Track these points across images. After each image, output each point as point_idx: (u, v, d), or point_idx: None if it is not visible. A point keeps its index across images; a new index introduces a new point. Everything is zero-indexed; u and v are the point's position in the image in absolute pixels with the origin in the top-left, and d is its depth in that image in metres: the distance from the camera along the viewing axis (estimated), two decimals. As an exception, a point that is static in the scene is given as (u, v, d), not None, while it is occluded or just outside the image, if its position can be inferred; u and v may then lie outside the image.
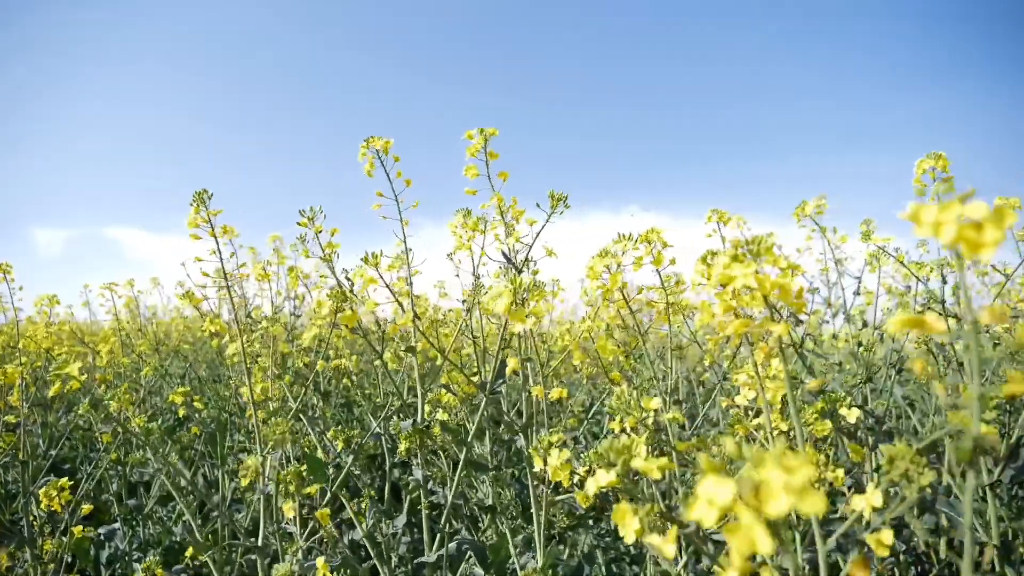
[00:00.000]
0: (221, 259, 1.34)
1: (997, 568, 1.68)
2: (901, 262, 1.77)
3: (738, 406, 1.27)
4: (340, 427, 1.86)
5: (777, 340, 0.84)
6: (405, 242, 1.50)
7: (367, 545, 1.56)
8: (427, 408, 1.68)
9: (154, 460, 1.34)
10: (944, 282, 1.93)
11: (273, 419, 1.24)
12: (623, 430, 1.03)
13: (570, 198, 1.33)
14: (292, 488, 1.24)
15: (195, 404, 2.51)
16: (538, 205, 1.32)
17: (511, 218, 1.44)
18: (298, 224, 1.28)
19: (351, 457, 1.56)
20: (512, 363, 1.17)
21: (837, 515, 1.26)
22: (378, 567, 1.48)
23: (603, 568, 1.68)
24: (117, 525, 2.71)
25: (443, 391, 1.68)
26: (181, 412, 2.47)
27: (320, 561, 1.26)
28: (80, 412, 1.41)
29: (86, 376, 2.90)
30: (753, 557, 0.47)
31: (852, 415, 1.36)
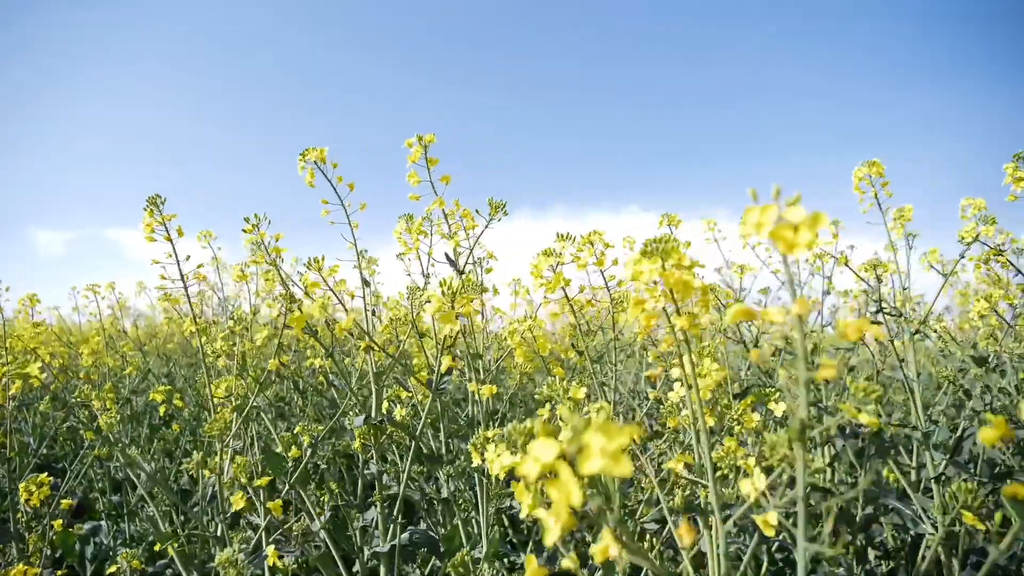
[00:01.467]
0: (178, 261, 1.40)
1: (943, 559, 1.74)
2: (845, 263, 1.82)
3: (665, 400, 1.33)
4: (314, 423, 1.92)
5: (682, 332, 0.89)
6: (355, 244, 1.55)
7: (326, 537, 1.62)
8: (386, 404, 1.74)
9: (119, 455, 1.40)
10: (905, 286, 1.99)
11: (213, 415, 1.30)
12: (551, 418, 1.08)
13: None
14: (244, 480, 1.30)
15: (176, 403, 2.57)
16: (478, 211, 1.38)
17: (459, 219, 1.50)
18: (243, 231, 1.34)
19: (310, 451, 1.62)
20: (446, 361, 1.23)
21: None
22: (347, 558, 1.54)
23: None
24: (102, 521, 2.79)
25: (400, 387, 1.74)
26: (162, 411, 2.52)
27: (271, 549, 1.32)
28: (40, 408, 1.47)
29: (59, 374, 2.96)
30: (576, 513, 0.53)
31: (779, 409, 1.42)
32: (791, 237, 0.55)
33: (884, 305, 1.60)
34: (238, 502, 1.31)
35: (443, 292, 1.10)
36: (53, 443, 3.33)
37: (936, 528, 1.52)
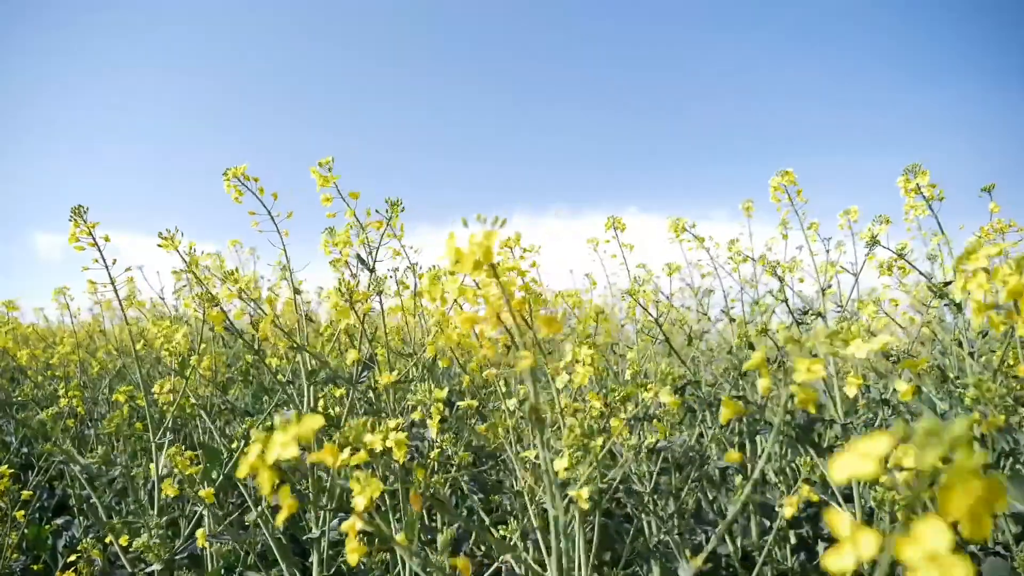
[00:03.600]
0: (107, 266, 1.52)
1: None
2: (763, 264, 1.93)
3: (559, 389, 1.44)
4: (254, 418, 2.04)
5: (492, 333, 1.00)
6: (285, 251, 1.67)
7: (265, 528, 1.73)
8: (323, 401, 1.85)
9: (59, 450, 1.52)
10: (824, 288, 2.10)
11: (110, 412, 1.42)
12: (425, 415, 1.20)
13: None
14: (179, 472, 1.42)
15: (138, 402, 2.69)
16: (377, 211, 1.50)
17: (383, 225, 1.61)
18: (158, 245, 1.46)
19: (244, 443, 1.73)
20: (351, 355, 1.34)
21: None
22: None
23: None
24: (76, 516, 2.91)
25: (334, 386, 1.86)
26: (125, 410, 2.64)
27: (200, 532, 1.44)
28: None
29: (34, 374, 3.07)
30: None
31: (668, 398, 1.53)
32: (467, 258, 0.65)
33: (791, 305, 1.70)
34: (168, 489, 1.43)
35: (339, 290, 1.22)
36: (32, 442, 3.45)
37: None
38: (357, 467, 0.83)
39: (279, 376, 1.75)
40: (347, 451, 0.90)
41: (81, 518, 2.88)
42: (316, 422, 0.55)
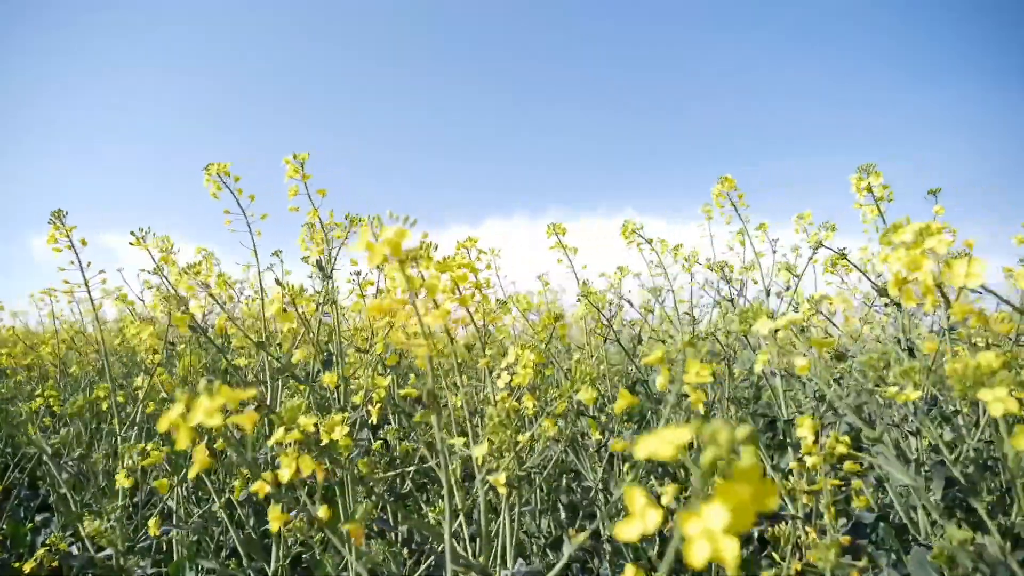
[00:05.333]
0: (81, 268, 1.58)
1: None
2: (696, 263, 2.01)
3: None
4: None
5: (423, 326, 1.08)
6: (256, 251, 1.73)
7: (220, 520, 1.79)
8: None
9: (25, 440, 1.57)
10: (789, 288, 2.17)
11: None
12: (367, 402, 1.27)
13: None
14: (132, 463, 1.48)
15: (119, 399, 2.75)
16: (346, 216, 1.57)
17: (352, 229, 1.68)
18: (131, 244, 1.52)
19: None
20: (298, 354, 1.41)
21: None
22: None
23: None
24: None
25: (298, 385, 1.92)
26: (104, 406, 2.71)
27: (152, 521, 1.50)
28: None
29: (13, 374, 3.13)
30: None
31: (586, 396, 1.60)
32: (377, 251, 0.71)
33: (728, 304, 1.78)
34: (122, 480, 1.49)
35: (283, 294, 1.29)
36: (11, 440, 3.49)
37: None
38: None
39: (248, 375, 1.81)
40: (282, 430, 0.97)
41: (59, 515, 2.93)
42: (241, 395, 0.62)
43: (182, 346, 2.37)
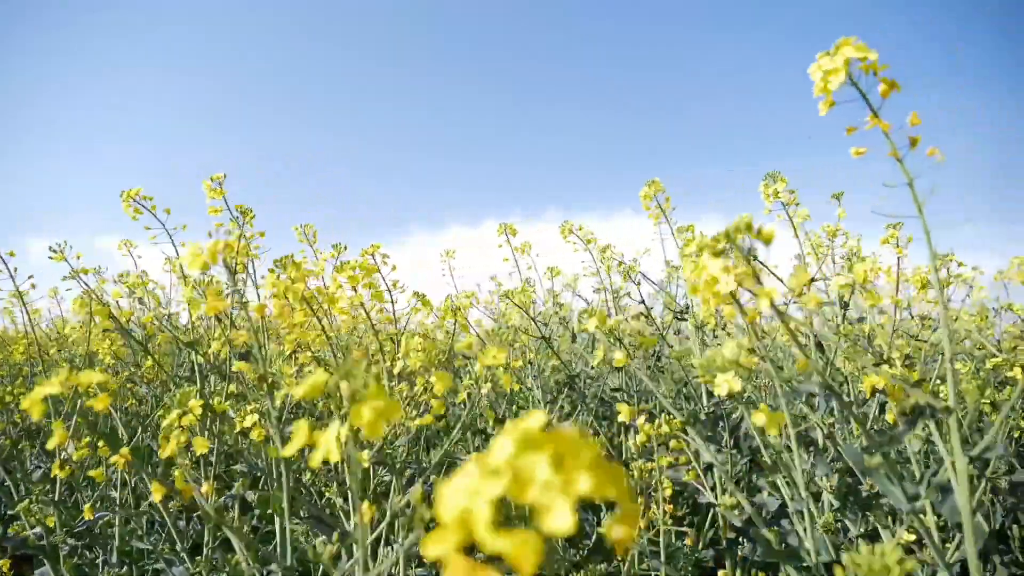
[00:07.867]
0: (12, 276, 1.72)
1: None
2: (634, 271, 2.13)
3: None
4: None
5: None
6: (177, 259, 1.86)
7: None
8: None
9: None
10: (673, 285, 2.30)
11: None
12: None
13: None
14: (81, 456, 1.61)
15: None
16: (262, 234, 1.71)
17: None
18: (49, 258, 1.67)
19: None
20: (215, 346, 1.54)
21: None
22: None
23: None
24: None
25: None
26: (68, 405, 2.85)
27: (87, 507, 1.62)
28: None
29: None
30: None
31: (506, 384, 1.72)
32: (195, 256, 0.84)
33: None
34: (57, 470, 1.61)
35: (192, 287, 1.42)
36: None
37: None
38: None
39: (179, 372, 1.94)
40: (177, 412, 1.10)
41: None
42: (92, 377, 0.75)
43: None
